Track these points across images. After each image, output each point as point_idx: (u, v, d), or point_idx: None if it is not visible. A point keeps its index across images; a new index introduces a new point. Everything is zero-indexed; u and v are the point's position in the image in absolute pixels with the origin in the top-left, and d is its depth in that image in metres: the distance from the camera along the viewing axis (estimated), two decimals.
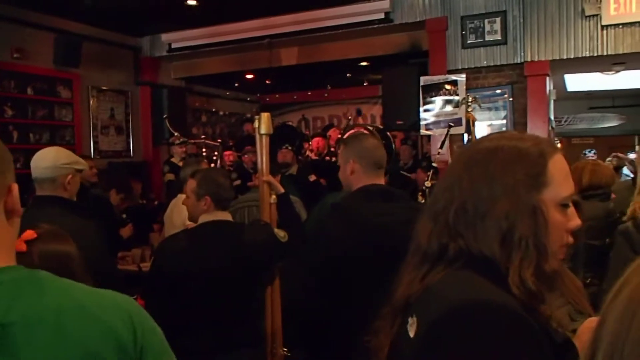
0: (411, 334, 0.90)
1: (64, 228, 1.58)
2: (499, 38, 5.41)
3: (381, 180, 2.07)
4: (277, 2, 6.06)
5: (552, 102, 5.83)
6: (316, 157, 6.63)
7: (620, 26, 4.95)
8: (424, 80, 5.54)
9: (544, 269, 0.91)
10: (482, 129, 5.21)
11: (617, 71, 6.53)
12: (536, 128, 5.26)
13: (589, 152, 10.31)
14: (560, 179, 0.95)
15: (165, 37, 7.23)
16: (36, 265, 0.93)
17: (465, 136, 4.73)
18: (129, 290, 1.01)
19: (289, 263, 2.49)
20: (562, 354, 0.93)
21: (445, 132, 4.71)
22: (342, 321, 1.92)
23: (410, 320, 0.92)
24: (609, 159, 6.17)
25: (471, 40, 5.53)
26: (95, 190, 4.66)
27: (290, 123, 8.57)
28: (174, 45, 7.27)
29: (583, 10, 5.07)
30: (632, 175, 6.06)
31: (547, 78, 5.43)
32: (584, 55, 5.12)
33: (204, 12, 6.24)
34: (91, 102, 6.94)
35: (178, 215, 3.50)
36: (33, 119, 6.23)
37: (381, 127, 6.74)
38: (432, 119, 5.45)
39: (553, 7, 5.21)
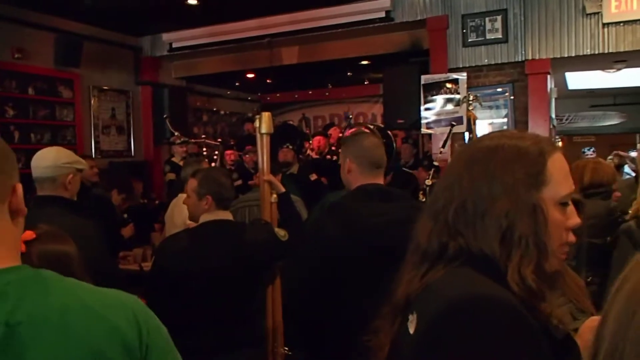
0: (411, 331, 0.91)
1: (64, 228, 1.58)
2: (500, 36, 5.41)
3: (379, 180, 2.06)
4: (277, 2, 6.06)
5: (553, 100, 5.82)
6: (317, 156, 6.63)
7: (622, 24, 4.94)
8: (424, 78, 5.54)
9: (544, 267, 0.91)
10: (483, 128, 5.21)
11: (619, 69, 6.53)
12: (537, 126, 5.26)
13: (588, 150, 10.30)
14: (559, 178, 0.95)
15: (165, 36, 7.23)
16: (35, 265, 0.93)
17: (467, 135, 4.73)
18: (130, 290, 1.01)
19: (289, 262, 2.49)
20: (563, 350, 0.93)
21: (448, 131, 4.71)
22: (341, 321, 1.92)
23: (410, 317, 0.93)
24: (610, 157, 6.16)
25: (472, 38, 5.52)
26: (97, 190, 4.67)
27: (291, 122, 8.56)
28: (174, 45, 7.27)
29: (584, 8, 5.06)
30: (633, 174, 6.07)
31: (548, 76, 5.42)
32: (585, 53, 5.11)
33: (205, 11, 6.24)
34: (92, 102, 6.95)
35: (179, 214, 3.50)
36: (34, 119, 6.23)
37: (382, 125, 6.74)
38: (433, 118, 5.45)
39: (554, 5, 5.20)
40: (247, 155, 6.40)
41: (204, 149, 6.73)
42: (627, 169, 6.58)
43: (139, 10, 6.23)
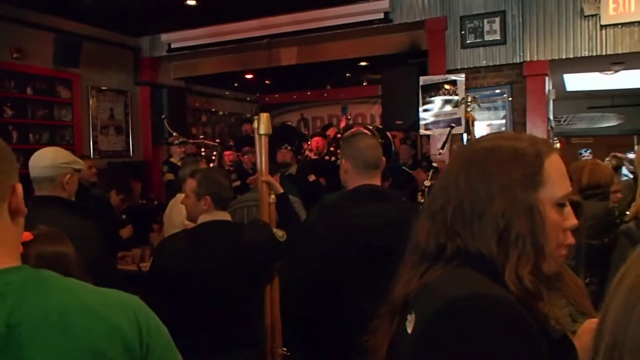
0: (409, 330, 0.91)
1: (62, 228, 1.58)
2: (498, 38, 5.42)
3: (375, 180, 2.06)
4: (276, 2, 6.06)
5: (551, 101, 5.84)
6: (316, 157, 6.63)
7: (619, 26, 4.95)
8: (423, 80, 5.55)
9: (541, 267, 0.92)
10: (481, 129, 5.21)
11: (616, 71, 6.54)
12: (535, 128, 5.27)
13: (585, 151, 10.32)
14: (556, 179, 0.96)
15: (164, 37, 7.23)
16: (32, 267, 0.93)
17: (465, 136, 4.73)
18: (128, 291, 1.01)
19: (287, 262, 2.49)
20: (561, 350, 0.93)
21: (447, 133, 4.71)
22: (338, 320, 1.93)
23: (408, 317, 0.93)
24: (607, 159, 6.17)
25: (470, 40, 5.53)
26: (96, 191, 4.66)
27: (289, 123, 8.56)
28: (173, 45, 7.27)
29: (582, 10, 5.07)
30: (631, 175, 6.08)
31: (546, 78, 5.43)
32: (583, 55, 5.12)
33: (204, 12, 6.24)
34: (91, 102, 6.95)
35: (177, 214, 3.50)
36: (33, 119, 6.23)
37: (380, 126, 6.75)
38: (431, 119, 5.45)
39: (552, 7, 5.21)
40: (245, 156, 6.39)
41: (203, 150, 6.73)
42: (624, 170, 6.58)
43: (138, 10, 6.23)
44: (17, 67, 6.00)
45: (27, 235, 1.36)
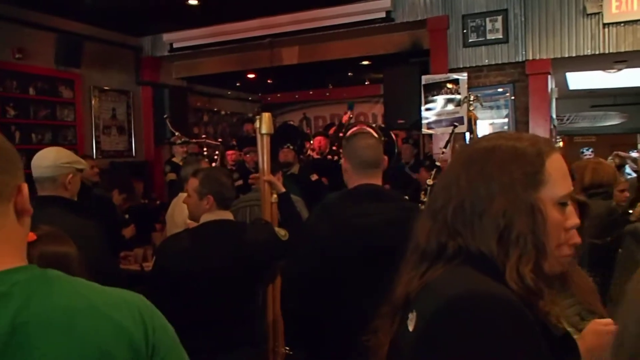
0: (410, 329, 0.91)
1: (65, 228, 1.58)
2: (501, 36, 5.41)
3: (375, 180, 2.05)
4: (278, 2, 6.06)
5: (553, 100, 5.83)
6: (318, 157, 6.63)
7: (622, 24, 4.94)
8: (425, 79, 5.54)
9: (542, 266, 0.92)
10: (483, 128, 5.20)
11: (619, 69, 6.52)
12: (538, 126, 5.26)
13: (587, 150, 10.30)
14: (557, 178, 0.96)
15: (166, 37, 7.24)
16: None
17: (467, 135, 4.73)
18: (131, 290, 1.01)
19: (288, 262, 2.49)
20: (562, 348, 0.93)
21: (450, 132, 4.70)
22: (337, 320, 1.93)
23: (410, 316, 0.93)
24: (610, 158, 6.16)
25: (472, 38, 5.52)
26: (98, 190, 4.67)
27: (291, 122, 8.57)
28: (175, 45, 7.27)
29: (584, 9, 5.06)
30: (634, 174, 6.07)
31: (549, 76, 5.42)
32: (585, 53, 5.11)
33: (205, 12, 6.24)
34: (93, 102, 6.96)
35: (179, 214, 3.50)
36: (35, 119, 6.24)
37: (383, 125, 6.75)
38: (433, 118, 5.45)
39: (554, 6, 5.20)
40: (247, 155, 6.40)
41: (205, 149, 6.74)
42: (627, 169, 6.57)
43: (140, 10, 6.23)
44: (19, 68, 6.01)
45: (31, 236, 1.36)
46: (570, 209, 0.98)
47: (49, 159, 2.40)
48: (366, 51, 6.72)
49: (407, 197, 4.32)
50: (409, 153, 6.94)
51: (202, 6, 6.06)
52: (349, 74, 9.00)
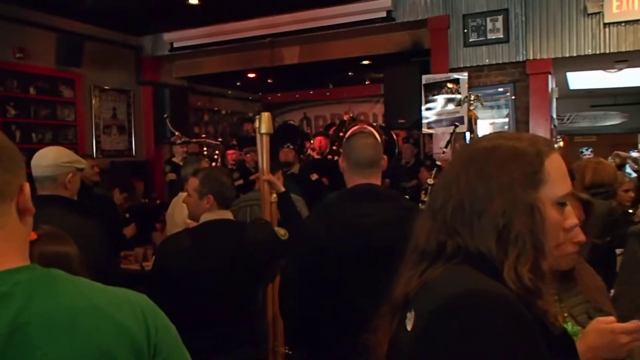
0: (409, 327, 0.91)
1: (65, 227, 1.59)
2: (501, 36, 5.40)
3: (372, 179, 2.04)
4: (278, 1, 6.06)
5: (554, 100, 5.82)
6: (318, 156, 6.63)
7: (623, 24, 4.94)
8: (425, 78, 5.54)
9: (541, 266, 0.92)
10: (484, 127, 5.20)
11: (620, 69, 6.52)
12: (538, 126, 5.26)
13: (586, 150, 10.30)
14: (557, 178, 0.96)
15: (167, 36, 7.24)
16: None
17: (468, 134, 4.73)
18: (132, 290, 1.01)
19: (288, 261, 2.50)
20: (560, 347, 0.93)
21: (451, 131, 4.70)
22: (336, 320, 1.93)
23: (408, 315, 0.93)
24: (610, 157, 6.16)
25: (473, 38, 5.52)
26: (99, 190, 4.68)
27: (292, 122, 8.57)
28: (175, 45, 7.27)
29: (585, 8, 5.06)
30: (634, 174, 6.06)
31: (549, 76, 5.41)
32: (586, 53, 5.11)
33: (206, 11, 6.24)
34: (93, 101, 6.96)
35: (179, 213, 3.50)
36: (36, 118, 6.25)
37: (383, 125, 6.75)
38: (434, 118, 5.44)
39: (555, 5, 5.20)
40: (248, 155, 6.40)
41: (205, 149, 6.74)
42: (628, 169, 6.57)
43: (140, 10, 6.23)
44: (20, 67, 6.01)
45: (31, 235, 1.36)
46: (569, 209, 0.98)
47: (49, 158, 2.40)
48: (367, 51, 6.72)
49: (407, 197, 4.33)
50: (409, 153, 6.94)
51: (203, 6, 6.06)
52: (350, 73, 9.00)
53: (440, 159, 4.32)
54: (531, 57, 5.30)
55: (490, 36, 5.44)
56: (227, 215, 2.46)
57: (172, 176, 6.16)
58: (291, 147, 5.29)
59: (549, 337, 0.89)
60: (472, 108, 4.63)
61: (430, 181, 3.77)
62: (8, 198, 0.88)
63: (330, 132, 7.35)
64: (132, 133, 7.49)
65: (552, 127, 5.65)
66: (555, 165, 0.97)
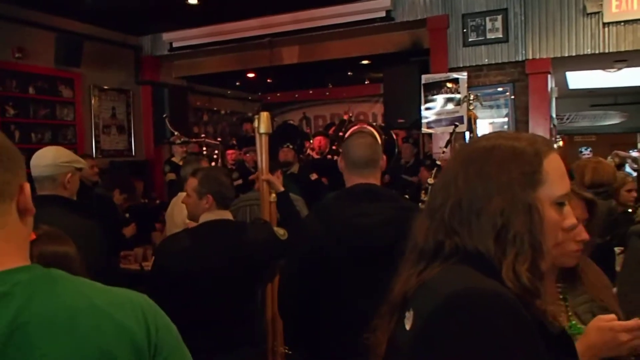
0: (407, 327, 0.92)
1: (64, 227, 1.58)
2: (501, 36, 5.40)
3: (370, 179, 2.04)
4: (278, 1, 6.06)
5: (553, 99, 5.82)
6: (318, 156, 6.63)
7: (622, 23, 4.94)
8: (425, 78, 5.54)
9: (539, 265, 0.92)
10: (483, 127, 5.20)
11: (619, 69, 6.52)
12: (538, 126, 5.26)
13: (585, 149, 10.31)
14: (555, 178, 0.96)
15: (166, 36, 7.24)
16: None
17: (467, 134, 4.73)
18: (131, 290, 1.01)
19: (287, 261, 2.50)
20: (558, 346, 0.94)
21: (450, 131, 4.70)
22: (334, 320, 1.93)
23: (407, 314, 0.93)
24: (609, 157, 6.16)
25: (472, 38, 5.52)
26: (99, 190, 4.68)
27: (291, 122, 8.57)
28: (175, 45, 7.27)
29: (584, 8, 5.06)
30: (634, 173, 6.06)
31: (549, 76, 5.42)
32: (585, 52, 5.11)
33: (205, 11, 6.24)
34: (93, 101, 6.95)
35: (179, 213, 3.50)
36: (35, 118, 6.24)
37: (383, 125, 6.75)
38: (433, 117, 5.44)
39: (554, 5, 5.20)
40: (247, 155, 6.40)
41: (204, 149, 6.74)
42: (627, 168, 6.57)
43: (140, 9, 6.23)
44: (19, 67, 6.01)
45: (31, 235, 1.36)
46: (568, 208, 0.99)
47: (48, 158, 2.40)
48: (366, 50, 6.72)
49: (407, 196, 4.33)
50: (409, 152, 6.94)
51: (202, 5, 6.06)
52: (349, 73, 9.00)
53: (440, 158, 4.32)
54: (530, 57, 5.31)
55: (489, 36, 5.45)
56: (227, 215, 2.46)
57: (171, 176, 6.16)
58: (291, 146, 5.29)
59: (547, 336, 0.89)
60: (471, 108, 4.63)
61: (430, 181, 3.77)
62: (8, 198, 0.88)
63: (330, 132, 7.35)
64: (132, 133, 7.49)
65: (552, 126, 5.65)
66: (553, 165, 0.97)
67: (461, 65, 5.55)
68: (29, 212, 0.92)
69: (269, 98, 11.03)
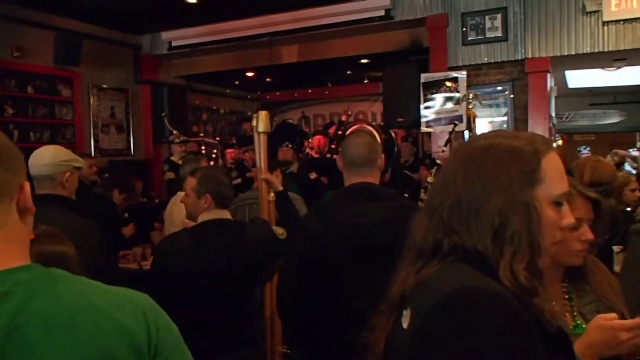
0: (405, 326, 0.92)
1: (63, 227, 1.58)
2: (500, 35, 5.40)
3: (368, 178, 2.04)
4: (277, 0, 6.05)
5: (553, 98, 5.82)
6: (317, 155, 6.62)
7: (621, 22, 4.94)
8: (424, 77, 5.53)
9: (537, 264, 0.92)
10: (483, 126, 5.20)
11: (618, 67, 6.52)
12: (537, 125, 5.26)
13: (584, 149, 10.32)
14: (553, 177, 0.96)
15: (165, 35, 7.23)
16: None
17: (466, 133, 4.73)
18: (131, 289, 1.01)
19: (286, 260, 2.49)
20: (557, 344, 0.94)
21: (450, 130, 4.70)
22: (332, 319, 1.93)
23: (404, 313, 0.94)
24: (609, 156, 6.16)
25: (472, 37, 5.52)
26: (98, 190, 4.67)
27: (290, 121, 8.56)
28: (174, 44, 7.27)
29: (584, 7, 5.06)
30: (634, 172, 6.06)
31: (548, 75, 5.41)
32: (585, 51, 5.11)
33: (204, 10, 6.24)
34: (91, 100, 6.95)
35: (178, 213, 3.50)
36: (34, 117, 6.24)
37: (382, 124, 6.74)
38: (432, 116, 5.44)
39: (554, 4, 5.20)
40: (246, 154, 6.40)
41: (203, 148, 6.74)
42: (627, 167, 6.57)
43: (139, 8, 6.22)
44: (18, 66, 6.00)
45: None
46: (566, 208, 0.99)
47: (46, 157, 2.39)
48: (365, 49, 6.71)
49: (406, 195, 4.32)
50: (408, 151, 6.93)
51: (201, 4, 6.05)
52: (348, 72, 8.99)
53: (440, 157, 4.32)
54: (530, 56, 5.31)
55: (489, 35, 5.44)
56: (225, 214, 2.46)
57: (170, 175, 6.15)
58: (290, 146, 5.29)
59: (545, 335, 0.89)
60: (470, 107, 4.62)
61: (430, 179, 3.77)
62: (8, 197, 0.88)
63: (331, 131, 7.34)
64: (131, 132, 7.48)
65: (551, 125, 5.65)
66: (552, 165, 0.97)
67: (460, 64, 5.55)
68: (29, 212, 0.92)
69: (268, 97, 11.02)
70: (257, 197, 2.98)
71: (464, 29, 5.54)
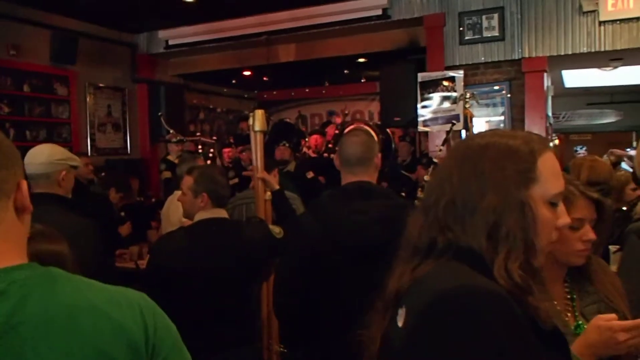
0: (400, 324, 0.92)
1: (58, 225, 1.57)
2: (497, 34, 5.41)
3: (364, 177, 2.04)
4: None
5: (550, 98, 5.84)
6: (314, 155, 6.62)
7: (618, 22, 4.95)
8: (421, 76, 5.53)
9: (531, 263, 0.92)
10: (480, 125, 5.21)
11: (615, 67, 6.53)
12: (534, 124, 5.27)
13: (580, 148, 10.33)
14: (549, 176, 0.96)
15: (162, 33, 7.22)
16: None
17: (463, 132, 4.73)
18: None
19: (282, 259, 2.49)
20: (551, 343, 0.94)
21: (447, 129, 4.69)
22: (330, 318, 1.93)
23: (399, 311, 0.94)
24: (605, 155, 6.16)
25: (469, 36, 5.52)
26: (95, 188, 4.66)
27: (287, 120, 8.55)
28: (171, 42, 7.26)
29: (581, 7, 5.07)
30: (631, 170, 6.07)
31: (545, 74, 5.43)
32: (581, 51, 5.12)
33: (201, 8, 6.23)
34: (88, 99, 6.93)
35: (175, 212, 3.49)
36: (30, 116, 6.22)
37: (379, 123, 6.74)
38: (429, 116, 5.43)
39: (551, 3, 5.21)
40: (243, 153, 6.38)
41: (200, 147, 6.73)
42: (624, 165, 6.58)
43: (135, 7, 6.21)
44: (14, 64, 5.98)
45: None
46: (562, 207, 0.99)
47: (42, 155, 2.38)
48: (363, 48, 6.71)
49: (403, 195, 4.32)
50: (405, 151, 6.93)
51: (198, 3, 6.05)
52: (345, 71, 8.99)
53: (437, 156, 4.33)
54: (527, 55, 5.32)
55: (486, 34, 5.45)
56: (222, 213, 2.45)
57: (167, 174, 6.14)
58: (287, 144, 5.29)
59: (539, 333, 0.89)
60: (467, 106, 4.63)
61: (426, 178, 3.78)
62: (5, 195, 0.87)
63: (329, 131, 7.33)
64: (127, 131, 7.46)
65: (548, 125, 5.66)
66: (548, 164, 0.97)
67: (457, 64, 5.55)
68: (27, 210, 0.91)
69: (265, 96, 11.02)
70: (254, 197, 2.98)
71: (461, 29, 5.55)
